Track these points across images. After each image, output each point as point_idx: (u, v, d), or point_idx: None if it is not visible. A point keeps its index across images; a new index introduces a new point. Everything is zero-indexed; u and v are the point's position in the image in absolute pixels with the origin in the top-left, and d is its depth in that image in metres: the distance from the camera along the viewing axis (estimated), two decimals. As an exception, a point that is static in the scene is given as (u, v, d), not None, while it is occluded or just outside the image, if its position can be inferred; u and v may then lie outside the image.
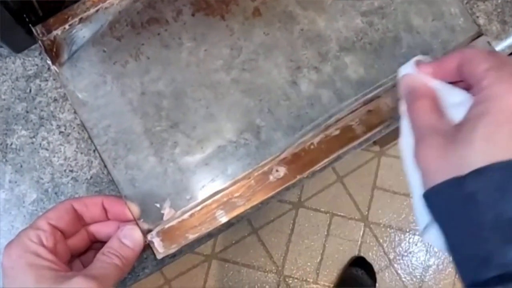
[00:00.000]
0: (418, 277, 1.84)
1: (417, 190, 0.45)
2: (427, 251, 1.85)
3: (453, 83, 0.47)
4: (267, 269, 1.78)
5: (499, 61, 0.42)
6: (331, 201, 1.83)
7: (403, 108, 0.48)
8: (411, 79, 0.48)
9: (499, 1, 0.62)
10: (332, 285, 1.80)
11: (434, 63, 0.48)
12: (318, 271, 1.80)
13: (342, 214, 1.84)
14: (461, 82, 0.46)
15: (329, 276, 1.80)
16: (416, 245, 1.86)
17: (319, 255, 1.81)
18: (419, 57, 0.50)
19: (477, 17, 0.62)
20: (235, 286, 1.77)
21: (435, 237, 0.44)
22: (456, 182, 0.39)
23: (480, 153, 0.38)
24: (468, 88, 0.45)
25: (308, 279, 1.80)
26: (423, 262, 1.85)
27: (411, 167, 0.46)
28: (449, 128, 0.42)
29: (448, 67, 0.46)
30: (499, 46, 0.62)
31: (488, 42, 0.59)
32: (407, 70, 0.49)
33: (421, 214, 0.45)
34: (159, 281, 1.76)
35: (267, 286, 1.78)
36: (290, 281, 1.78)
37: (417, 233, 1.86)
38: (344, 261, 1.81)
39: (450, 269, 1.84)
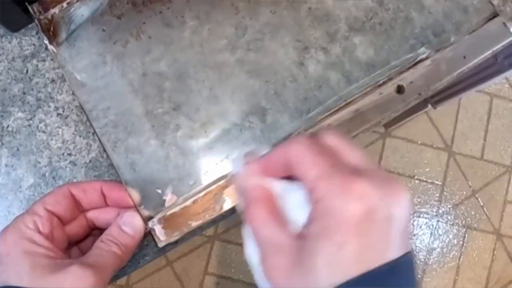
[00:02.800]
0: (422, 260, 1.83)
1: None
2: (431, 234, 1.85)
3: None
4: (269, 251, 1.77)
5: (329, 164, 0.38)
6: (334, 183, 1.82)
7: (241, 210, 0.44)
8: (243, 180, 0.43)
9: (514, -20, 0.60)
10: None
11: (261, 160, 0.43)
12: (321, 253, 1.79)
13: (346, 196, 1.82)
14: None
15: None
16: (420, 227, 1.85)
17: (322, 237, 1.80)
18: (249, 151, 0.45)
19: (492, -3, 0.60)
20: (238, 267, 1.76)
21: None
22: None
23: (325, 278, 0.35)
24: None
25: (311, 261, 1.79)
26: (427, 245, 1.84)
27: (261, 277, 0.41)
28: (291, 244, 0.38)
29: (275, 165, 0.42)
30: (514, 27, 0.60)
31: (504, 24, 0.57)
32: (237, 168, 0.44)
33: None
34: (161, 263, 1.76)
35: (269, 268, 1.76)
36: (292, 263, 1.78)
37: (421, 215, 1.85)
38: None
39: (455, 252, 1.84)
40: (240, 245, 1.74)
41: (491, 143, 1.88)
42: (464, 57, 0.57)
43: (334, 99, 0.56)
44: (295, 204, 0.40)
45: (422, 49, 0.57)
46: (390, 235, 0.36)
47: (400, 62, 0.56)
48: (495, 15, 0.58)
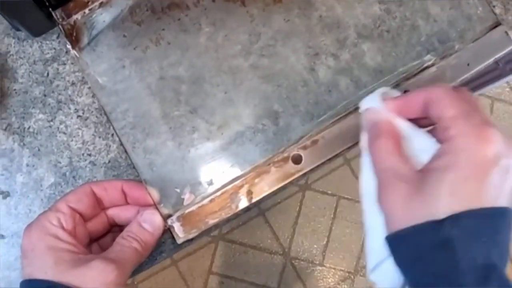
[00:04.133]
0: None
1: (375, 229, 0.44)
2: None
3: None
4: (273, 251, 1.78)
5: (467, 107, 0.41)
6: (338, 184, 1.83)
7: (364, 143, 0.47)
8: (375, 115, 0.47)
9: (517, -10, 0.62)
10: (338, 268, 1.80)
11: (400, 99, 0.46)
12: (324, 254, 1.80)
13: (349, 197, 1.83)
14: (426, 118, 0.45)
15: (335, 259, 1.80)
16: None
17: (326, 238, 1.81)
18: (384, 89, 0.49)
19: (494, 6, 0.61)
20: (242, 267, 1.77)
21: (385, 276, 0.44)
22: (432, 227, 0.39)
23: (446, 206, 0.38)
24: (432, 124, 0.45)
25: (315, 261, 1.80)
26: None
27: (370, 207, 0.45)
28: (413, 175, 0.42)
29: (413, 104, 0.45)
30: (516, 36, 0.61)
31: (506, 32, 0.59)
32: (372, 103, 0.48)
33: (375, 252, 0.45)
34: (166, 262, 1.76)
35: (273, 268, 1.78)
36: (296, 263, 1.79)
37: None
38: (350, 244, 1.81)
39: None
40: (244, 245, 1.76)
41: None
42: (468, 64, 0.59)
43: (344, 103, 0.58)
44: (417, 147, 0.44)
45: (428, 56, 0.59)
46: (505, 184, 0.40)
47: (407, 68, 0.58)
48: (497, 24, 0.59)
